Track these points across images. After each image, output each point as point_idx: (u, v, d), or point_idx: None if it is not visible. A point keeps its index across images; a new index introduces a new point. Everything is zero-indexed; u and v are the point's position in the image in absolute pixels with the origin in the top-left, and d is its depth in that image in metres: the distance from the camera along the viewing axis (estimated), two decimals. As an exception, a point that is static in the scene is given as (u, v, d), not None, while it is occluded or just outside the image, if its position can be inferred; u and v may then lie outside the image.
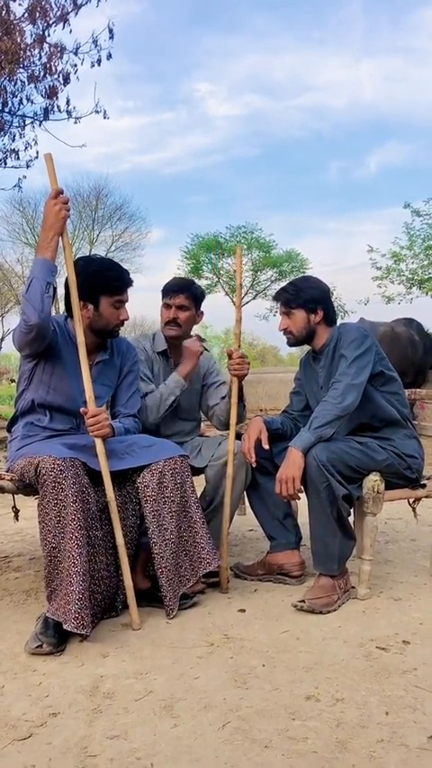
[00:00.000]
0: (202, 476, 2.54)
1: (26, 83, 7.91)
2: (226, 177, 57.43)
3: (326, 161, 61.22)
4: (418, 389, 5.66)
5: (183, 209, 56.62)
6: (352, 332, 2.37)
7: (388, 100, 57.40)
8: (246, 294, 28.05)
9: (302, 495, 2.31)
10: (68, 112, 8.11)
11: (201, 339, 2.66)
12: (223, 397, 2.65)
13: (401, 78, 55.72)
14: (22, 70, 7.64)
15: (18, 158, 8.40)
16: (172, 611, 2.16)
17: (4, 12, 7.16)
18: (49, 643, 1.90)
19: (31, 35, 7.55)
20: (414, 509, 2.57)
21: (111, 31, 7.65)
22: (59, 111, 8.09)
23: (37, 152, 8.35)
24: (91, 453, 2.09)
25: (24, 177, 8.79)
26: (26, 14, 7.43)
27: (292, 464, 2.22)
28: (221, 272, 26.97)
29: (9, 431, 2.42)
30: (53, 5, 7.49)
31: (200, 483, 2.44)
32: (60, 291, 2.26)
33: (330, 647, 1.93)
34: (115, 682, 1.73)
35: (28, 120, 8.29)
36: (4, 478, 2.20)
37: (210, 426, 2.97)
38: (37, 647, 1.89)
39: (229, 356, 2.47)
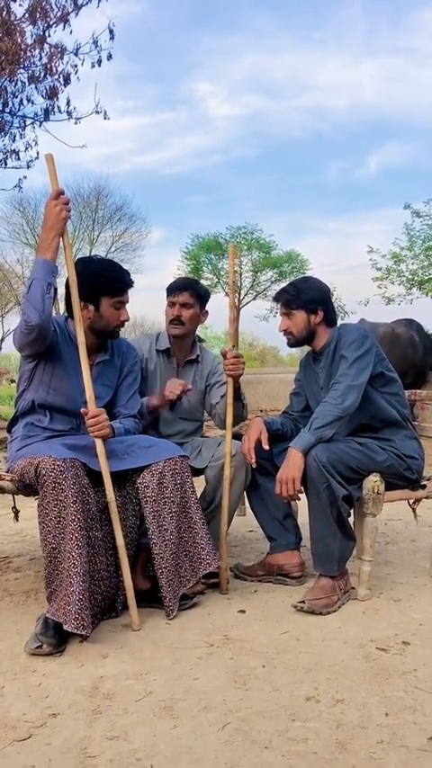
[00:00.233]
0: (202, 476, 2.54)
1: (26, 83, 7.93)
2: (226, 177, 57.55)
3: (326, 161, 61.40)
4: (418, 390, 5.63)
5: (183, 209, 56.74)
6: (352, 333, 2.37)
7: (388, 100, 57.56)
8: (246, 295, 28.07)
9: (302, 496, 2.31)
10: (69, 113, 8.13)
11: (185, 390, 2.52)
12: (223, 396, 2.65)
13: (401, 79, 55.85)
14: (22, 71, 7.65)
15: (18, 159, 8.44)
16: (172, 612, 2.16)
17: (4, 12, 7.17)
18: (49, 644, 1.90)
19: (32, 36, 7.57)
20: (414, 510, 2.57)
21: (111, 31, 7.68)
22: (60, 111, 8.12)
23: (37, 152, 8.40)
24: (91, 454, 2.09)
25: (25, 178, 8.84)
26: (26, 15, 7.44)
27: (292, 465, 2.22)
28: (221, 272, 26.98)
29: (9, 431, 2.42)
30: (53, 6, 7.51)
31: (200, 483, 2.44)
32: (61, 292, 2.26)
33: (330, 647, 1.93)
34: (115, 682, 1.73)
35: (28, 121, 8.32)
36: (4, 479, 2.20)
37: (210, 427, 2.97)
38: (37, 648, 1.89)
39: (224, 356, 2.47)
